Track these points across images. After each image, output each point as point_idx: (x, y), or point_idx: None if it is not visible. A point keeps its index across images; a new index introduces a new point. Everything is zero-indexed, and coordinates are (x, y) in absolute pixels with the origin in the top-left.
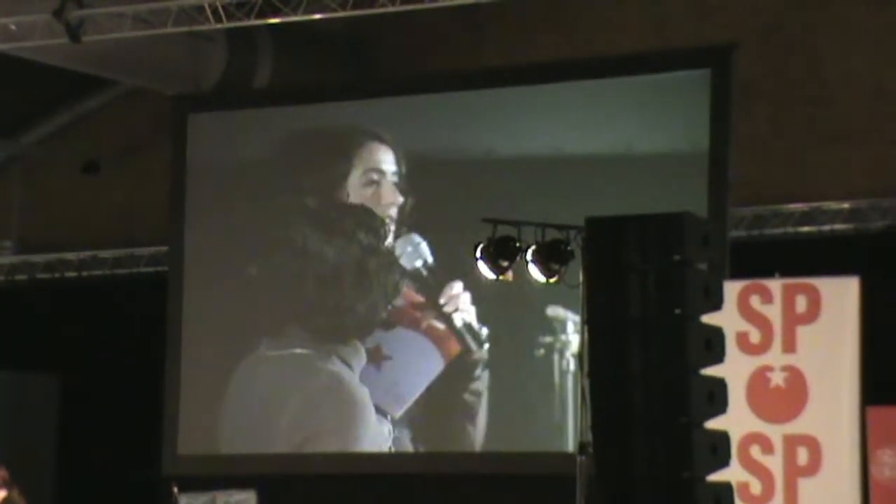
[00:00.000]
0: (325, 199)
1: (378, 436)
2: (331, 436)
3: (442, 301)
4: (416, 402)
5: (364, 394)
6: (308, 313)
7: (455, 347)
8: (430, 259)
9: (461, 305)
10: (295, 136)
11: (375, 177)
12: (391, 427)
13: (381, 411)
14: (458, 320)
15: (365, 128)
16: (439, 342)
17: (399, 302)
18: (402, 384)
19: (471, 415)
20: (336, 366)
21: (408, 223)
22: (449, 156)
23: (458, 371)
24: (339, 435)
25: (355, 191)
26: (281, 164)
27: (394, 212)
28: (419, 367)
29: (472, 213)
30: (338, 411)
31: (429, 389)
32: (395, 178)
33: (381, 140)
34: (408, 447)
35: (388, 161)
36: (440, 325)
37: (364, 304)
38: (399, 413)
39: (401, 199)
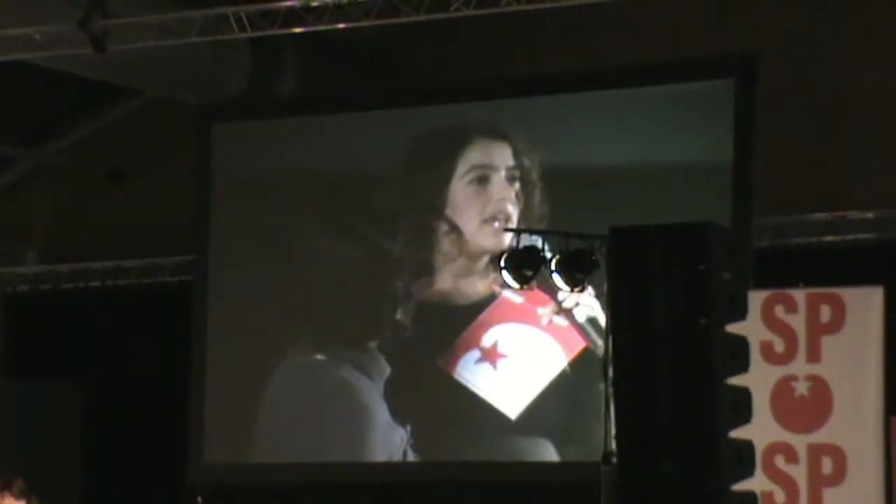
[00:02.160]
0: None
1: (389, 443)
2: (340, 444)
3: (561, 297)
4: (536, 402)
5: (373, 400)
6: (326, 321)
7: (579, 344)
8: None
9: (582, 300)
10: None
11: (483, 174)
12: (405, 434)
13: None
14: (580, 315)
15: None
16: (562, 339)
17: (517, 299)
18: (520, 383)
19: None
20: (347, 372)
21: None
22: None
23: (581, 369)
24: (346, 443)
25: (460, 190)
26: (308, 173)
27: (507, 207)
28: (538, 365)
29: None
30: (345, 418)
31: (549, 389)
32: (511, 175)
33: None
34: (530, 450)
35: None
36: (562, 322)
37: (376, 309)
38: (516, 415)
39: (512, 195)
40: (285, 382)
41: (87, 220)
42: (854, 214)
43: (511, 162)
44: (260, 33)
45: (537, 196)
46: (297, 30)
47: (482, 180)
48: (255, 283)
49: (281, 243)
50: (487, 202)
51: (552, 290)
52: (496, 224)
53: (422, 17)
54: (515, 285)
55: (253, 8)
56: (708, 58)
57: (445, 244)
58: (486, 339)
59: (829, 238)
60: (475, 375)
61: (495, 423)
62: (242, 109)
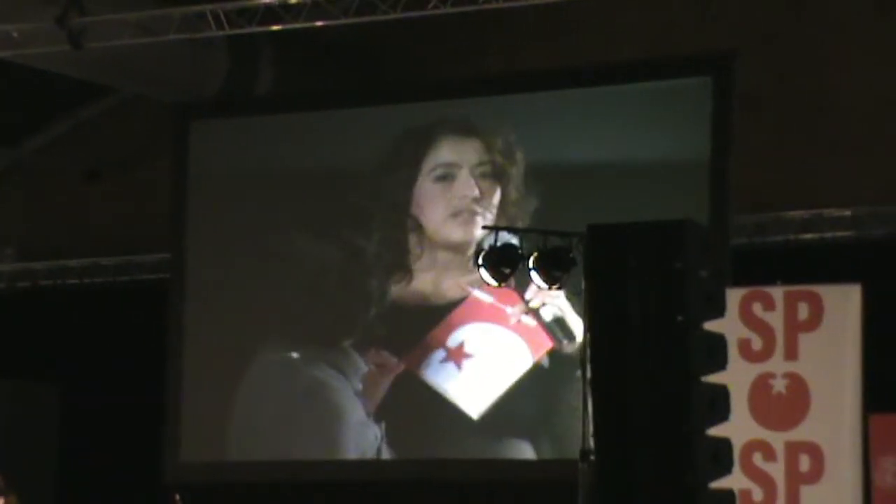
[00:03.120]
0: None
1: (362, 441)
2: (312, 442)
3: (528, 296)
4: (497, 404)
5: (346, 398)
6: (302, 319)
7: (546, 344)
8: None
9: (549, 300)
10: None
11: (447, 171)
12: (379, 433)
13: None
14: (547, 315)
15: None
16: (529, 339)
17: (487, 298)
18: (484, 383)
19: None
20: (321, 371)
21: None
22: None
23: (547, 369)
24: (319, 441)
25: (426, 188)
26: (286, 171)
27: (469, 204)
28: (504, 365)
29: None
30: (318, 417)
31: (513, 389)
32: (480, 171)
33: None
34: (489, 450)
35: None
36: (531, 322)
37: (350, 308)
38: (477, 415)
39: (476, 192)
40: (261, 381)
41: (64, 218)
42: (831, 212)
43: (480, 158)
44: (237, 31)
45: (513, 192)
46: (275, 27)
47: (446, 177)
48: (232, 280)
49: (257, 241)
50: (452, 198)
51: (523, 290)
52: (461, 219)
53: (399, 15)
54: (493, 283)
55: (230, 5)
56: (685, 56)
57: (412, 241)
58: (453, 339)
59: (806, 236)
60: (438, 375)
61: (457, 422)
62: (219, 107)
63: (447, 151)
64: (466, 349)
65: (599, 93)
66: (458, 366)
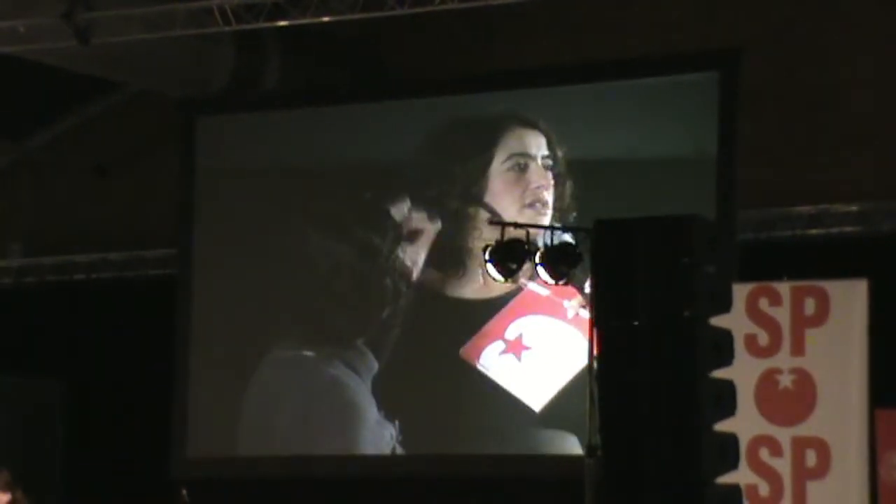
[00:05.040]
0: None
1: (379, 440)
2: (329, 439)
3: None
4: (559, 396)
5: (363, 397)
6: (313, 316)
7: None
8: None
9: None
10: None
11: (521, 161)
12: (394, 432)
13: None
14: None
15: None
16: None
17: (543, 291)
18: (544, 377)
19: None
20: (337, 369)
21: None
22: None
23: None
24: (336, 438)
25: (498, 177)
26: (292, 166)
27: (544, 195)
28: (563, 358)
29: None
30: (335, 414)
31: (573, 382)
32: (546, 163)
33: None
34: (554, 445)
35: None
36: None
37: (364, 307)
38: (540, 408)
39: (552, 183)
40: (272, 377)
41: (71, 213)
42: (838, 207)
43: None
44: (244, 26)
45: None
46: (282, 23)
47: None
48: (240, 276)
49: (265, 237)
50: (525, 189)
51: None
52: (534, 210)
53: (406, 11)
54: (500, 278)
55: (237, 1)
56: (691, 52)
57: (483, 233)
58: (510, 332)
59: (812, 231)
60: (496, 366)
61: (518, 415)
62: (226, 103)
63: (516, 142)
64: (525, 341)
65: (606, 88)
66: (519, 357)
